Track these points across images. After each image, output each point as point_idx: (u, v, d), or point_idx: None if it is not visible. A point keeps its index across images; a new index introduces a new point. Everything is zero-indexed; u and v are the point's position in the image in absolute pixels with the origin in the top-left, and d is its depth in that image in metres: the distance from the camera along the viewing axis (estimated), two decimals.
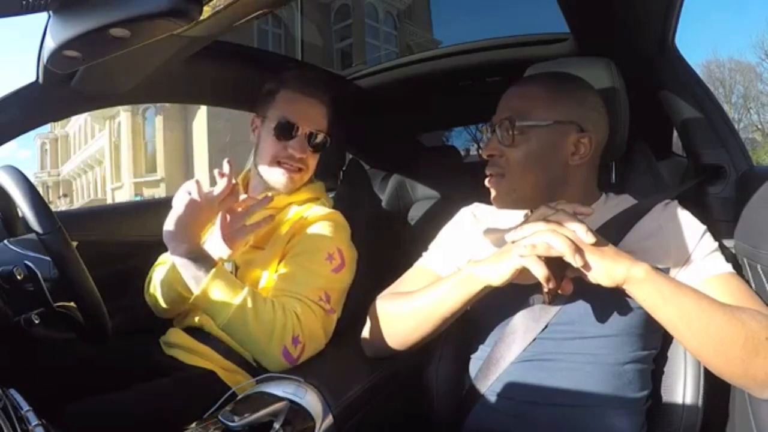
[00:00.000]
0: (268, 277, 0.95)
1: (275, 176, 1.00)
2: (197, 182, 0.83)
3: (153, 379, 0.90)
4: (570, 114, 0.77)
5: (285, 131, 0.99)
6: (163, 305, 1.00)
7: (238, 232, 0.89)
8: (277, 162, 1.00)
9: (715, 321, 0.61)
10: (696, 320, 0.61)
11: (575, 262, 0.61)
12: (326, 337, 0.90)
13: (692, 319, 0.62)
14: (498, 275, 0.67)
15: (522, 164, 0.77)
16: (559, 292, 0.67)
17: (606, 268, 0.62)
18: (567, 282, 0.67)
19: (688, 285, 0.66)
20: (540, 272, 0.62)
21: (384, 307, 0.82)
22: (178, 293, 0.94)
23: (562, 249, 0.61)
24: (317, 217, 0.96)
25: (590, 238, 0.62)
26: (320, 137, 1.00)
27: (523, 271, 0.65)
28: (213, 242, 0.90)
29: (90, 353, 0.93)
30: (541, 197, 0.76)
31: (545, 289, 0.65)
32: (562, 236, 0.62)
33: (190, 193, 0.81)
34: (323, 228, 0.95)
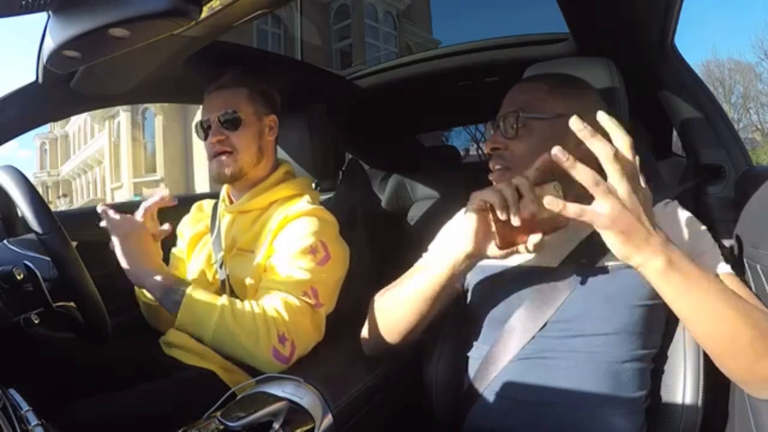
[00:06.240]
0: (258, 279, 0.95)
1: (212, 172, 1.02)
2: (104, 210, 0.90)
3: (153, 379, 0.90)
4: (572, 108, 0.77)
5: (203, 130, 1.02)
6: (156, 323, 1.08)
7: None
8: (210, 158, 1.02)
9: (726, 315, 0.60)
10: (708, 313, 0.60)
11: (501, 215, 0.64)
12: (317, 331, 0.90)
13: (704, 311, 0.60)
14: (464, 240, 0.70)
15: (526, 157, 0.77)
16: (521, 250, 0.68)
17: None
18: (520, 235, 0.67)
19: (702, 274, 0.61)
20: (470, 223, 0.68)
21: (379, 305, 0.83)
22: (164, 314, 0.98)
23: (492, 200, 0.65)
24: (299, 214, 0.96)
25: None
26: (230, 114, 0.99)
27: (502, 247, 0.67)
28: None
29: (90, 353, 0.93)
30: None
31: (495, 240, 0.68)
32: (497, 192, 0.65)
33: (118, 226, 0.88)
34: (305, 223, 0.95)
